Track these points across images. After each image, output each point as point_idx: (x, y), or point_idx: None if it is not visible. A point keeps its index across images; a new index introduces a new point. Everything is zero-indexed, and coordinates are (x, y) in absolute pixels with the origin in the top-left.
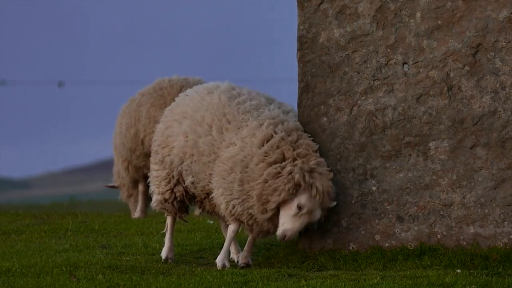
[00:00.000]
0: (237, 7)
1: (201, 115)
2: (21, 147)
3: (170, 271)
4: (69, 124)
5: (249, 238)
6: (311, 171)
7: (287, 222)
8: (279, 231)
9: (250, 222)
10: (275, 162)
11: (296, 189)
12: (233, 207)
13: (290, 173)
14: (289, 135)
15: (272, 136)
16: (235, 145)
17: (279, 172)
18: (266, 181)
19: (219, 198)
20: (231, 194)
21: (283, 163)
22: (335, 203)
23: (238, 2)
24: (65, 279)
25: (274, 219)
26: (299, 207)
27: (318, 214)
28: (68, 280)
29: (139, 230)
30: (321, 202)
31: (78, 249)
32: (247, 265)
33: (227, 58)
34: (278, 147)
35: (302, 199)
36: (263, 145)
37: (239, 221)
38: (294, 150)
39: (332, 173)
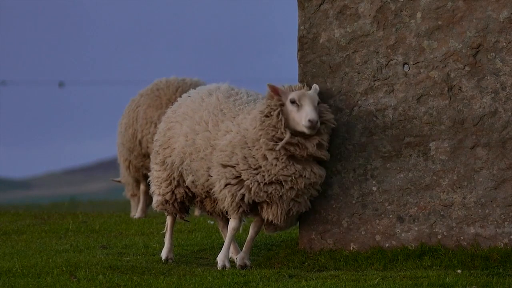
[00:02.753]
0: (238, 7)
1: (199, 115)
2: (22, 147)
3: (171, 272)
4: (69, 124)
5: (248, 237)
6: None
7: (299, 115)
8: (303, 123)
9: (269, 192)
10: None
11: (281, 102)
12: (245, 193)
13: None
14: None
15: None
16: (232, 131)
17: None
18: (261, 120)
19: (223, 191)
20: (238, 179)
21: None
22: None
23: (239, 2)
24: (65, 280)
25: (289, 167)
26: (292, 100)
27: (311, 92)
28: (68, 280)
29: (140, 231)
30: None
31: (78, 249)
32: (244, 267)
33: (228, 58)
34: (268, 105)
35: (289, 95)
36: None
37: (245, 213)
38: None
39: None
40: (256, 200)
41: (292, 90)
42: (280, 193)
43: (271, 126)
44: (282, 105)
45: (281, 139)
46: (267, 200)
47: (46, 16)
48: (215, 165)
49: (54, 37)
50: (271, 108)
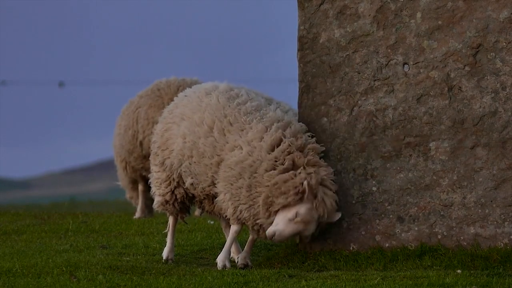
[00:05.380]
0: (238, 7)
1: (199, 116)
2: (22, 147)
3: (171, 272)
4: (69, 125)
5: (250, 238)
6: (321, 182)
7: (281, 224)
8: (270, 229)
9: (255, 227)
10: (286, 170)
11: (302, 196)
12: (240, 212)
13: (302, 181)
14: (296, 139)
15: (281, 140)
16: (241, 148)
17: (292, 178)
18: (275, 184)
19: (227, 203)
20: (239, 200)
21: (296, 171)
22: (339, 215)
23: (239, 2)
24: (65, 280)
25: None
26: (297, 215)
27: (312, 227)
28: (68, 280)
29: (140, 231)
30: (321, 216)
31: (78, 249)
32: (245, 266)
33: (228, 58)
34: (288, 153)
35: (303, 208)
36: (273, 150)
37: (244, 224)
38: (304, 157)
39: (337, 185)
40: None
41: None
42: (265, 234)
43: (271, 198)
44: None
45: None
46: (251, 230)
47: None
48: (222, 178)
49: (54, 37)
50: (286, 195)
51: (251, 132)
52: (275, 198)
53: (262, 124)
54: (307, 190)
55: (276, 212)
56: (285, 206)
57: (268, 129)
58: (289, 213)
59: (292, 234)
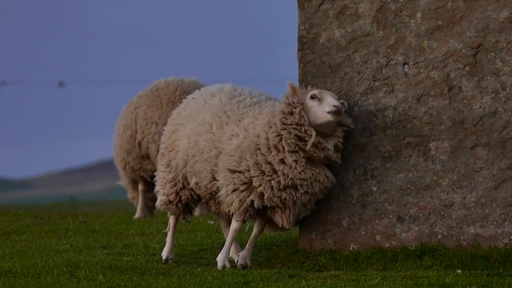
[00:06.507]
0: (238, 7)
1: (202, 116)
2: (21, 147)
3: (171, 272)
4: (69, 125)
5: (251, 236)
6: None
7: (321, 107)
8: (328, 109)
9: (283, 197)
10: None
11: (300, 102)
12: (257, 198)
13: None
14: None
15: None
16: (238, 136)
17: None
18: (280, 121)
19: (230, 196)
20: (248, 185)
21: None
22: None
23: (239, 2)
24: (65, 280)
25: (307, 170)
26: (312, 96)
27: (333, 93)
28: (68, 280)
29: (140, 231)
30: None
31: (78, 249)
32: (244, 267)
33: (228, 58)
34: (273, 112)
35: (310, 92)
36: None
37: (251, 217)
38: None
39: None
40: (269, 205)
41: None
42: (294, 198)
43: (294, 124)
44: (302, 103)
45: (303, 139)
46: (280, 205)
47: (46, 16)
48: (222, 169)
49: (54, 37)
50: (293, 107)
51: (247, 118)
52: (292, 120)
53: (259, 113)
54: (292, 85)
55: (310, 128)
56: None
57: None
58: (314, 106)
59: (335, 98)
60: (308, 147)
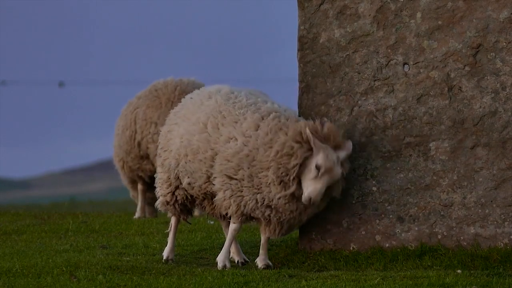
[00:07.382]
0: (238, 7)
1: (196, 116)
2: (21, 147)
3: (171, 272)
4: (69, 125)
5: (262, 241)
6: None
7: (310, 185)
8: (304, 196)
9: (266, 214)
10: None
11: (309, 151)
12: (245, 207)
13: (300, 130)
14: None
15: (280, 129)
16: (236, 140)
17: (289, 137)
18: (277, 153)
19: (228, 200)
20: (241, 194)
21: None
22: (350, 143)
23: (239, 2)
24: (65, 280)
25: (292, 203)
26: (317, 167)
27: (338, 170)
28: (68, 280)
29: (140, 231)
30: (336, 149)
31: (78, 249)
32: (267, 267)
33: (228, 58)
34: (280, 129)
35: (319, 158)
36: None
37: (251, 219)
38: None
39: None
40: (253, 216)
41: (329, 140)
42: (281, 219)
43: (284, 167)
44: (307, 152)
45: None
46: (263, 219)
47: (46, 16)
48: (219, 174)
49: (54, 37)
50: (294, 154)
51: (245, 122)
52: (286, 164)
53: (258, 114)
54: (310, 136)
55: (295, 180)
56: (302, 169)
57: (264, 118)
58: (310, 173)
59: (324, 189)
60: (279, 196)
